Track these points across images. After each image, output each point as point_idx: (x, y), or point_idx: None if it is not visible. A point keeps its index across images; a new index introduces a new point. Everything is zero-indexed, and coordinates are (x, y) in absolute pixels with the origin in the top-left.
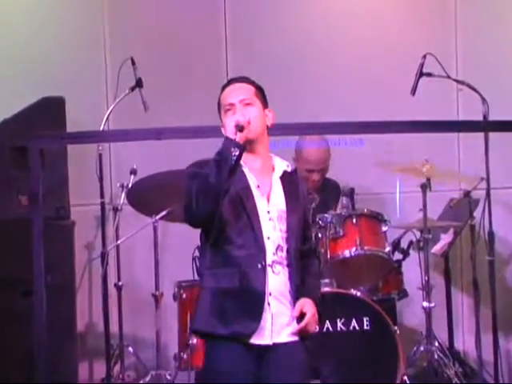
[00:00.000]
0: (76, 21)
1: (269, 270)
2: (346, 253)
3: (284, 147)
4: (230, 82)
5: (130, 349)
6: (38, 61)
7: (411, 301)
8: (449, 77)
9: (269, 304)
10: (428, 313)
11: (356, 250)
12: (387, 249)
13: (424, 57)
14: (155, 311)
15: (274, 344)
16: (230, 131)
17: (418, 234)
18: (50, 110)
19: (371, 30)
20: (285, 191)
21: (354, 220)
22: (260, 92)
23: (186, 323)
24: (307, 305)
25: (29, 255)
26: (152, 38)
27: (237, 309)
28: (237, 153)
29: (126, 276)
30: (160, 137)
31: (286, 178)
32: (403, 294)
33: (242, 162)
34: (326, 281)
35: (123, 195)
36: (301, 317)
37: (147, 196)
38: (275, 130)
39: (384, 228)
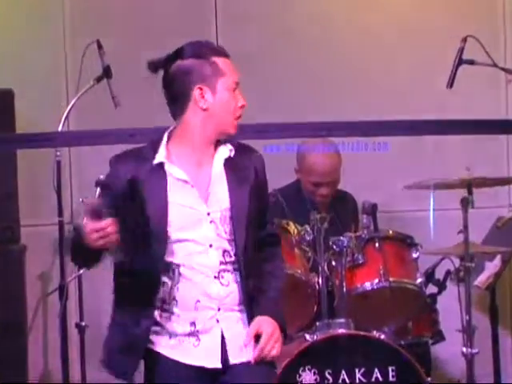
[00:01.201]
0: None
1: (216, 282)
2: (367, 285)
3: (287, 152)
4: (221, 49)
5: None
6: None
7: (449, 346)
8: (495, 65)
9: (218, 321)
10: (469, 360)
11: (379, 281)
12: (418, 280)
13: (464, 40)
14: None
15: (229, 366)
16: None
17: (458, 261)
18: None
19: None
20: (228, 182)
21: (377, 244)
22: None
23: None
24: (264, 324)
25: None
26: (124, 17)
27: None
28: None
29: (90, 314)
30: (133, 139)
31: (229, 165)
32: (438, 337)
33: (167, 158)
34: (342, 321)
35: None
36: (257, 339)
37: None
38: (273, 131)
39: (414, 254)
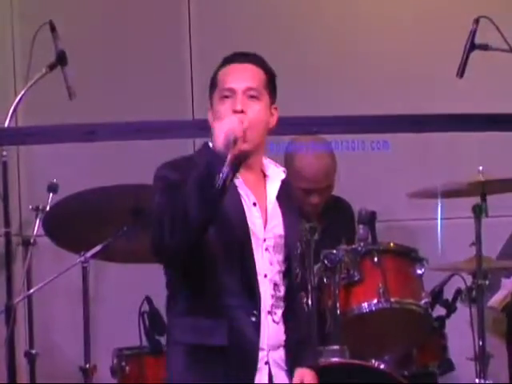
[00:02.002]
0: None
1: (269, 319)
2: (364, 306)
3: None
4: (236, 57)
5: None
6: None
7: (459, 376)
8: None
9: (267, 363)
10: None
11: (378, 302)
12: (424, 300)
13: (476, 21)
14: None
15: None
16: (219, 142)
17: (469, 278)
18: None
19: None
20: (281, 208)
21: (376, 258)
22: (271, 82)
23: None
24: (307, 377)
25: None
26: None
27: (224, 374)
28: (228, 174)
29: (41, 340)
30: (92, 137)
31: (281, 188)
32: (447, 366)
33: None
34: (335, 348)
35: (38, 222)
36: None
37: (73, 224)
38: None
39: (419, 270)
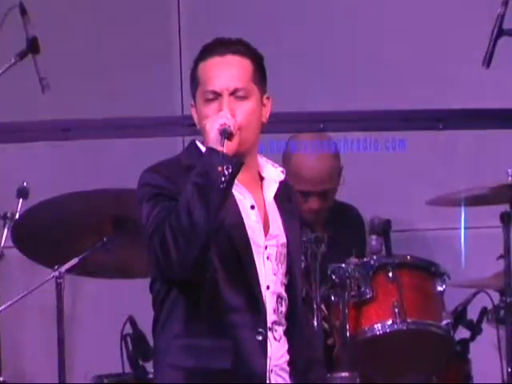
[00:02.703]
0: None
1: (269, 336)
2: (377, 327)
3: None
4: (217, 47)
5: None
6: None
7: None
8: None
9: None
10: None
11: (393, 322)
12: (445, 321)
13: (505, 3)
14: None
15: None
16: (213, 138)
17: (497, 296)
18: None
19: None
20: (281, 212)
21: (390, 273)
22: (260, 70)
23: None
24: None
25: None
26: None
27: None
28: (229, 170)
29: (10, 367)
30: (68, 135)
31: (279, 190)
32: None
33: None
34: (344, 375)
35: (6, 232)
36: None
37: (46, 234)
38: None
39: (440, 287)
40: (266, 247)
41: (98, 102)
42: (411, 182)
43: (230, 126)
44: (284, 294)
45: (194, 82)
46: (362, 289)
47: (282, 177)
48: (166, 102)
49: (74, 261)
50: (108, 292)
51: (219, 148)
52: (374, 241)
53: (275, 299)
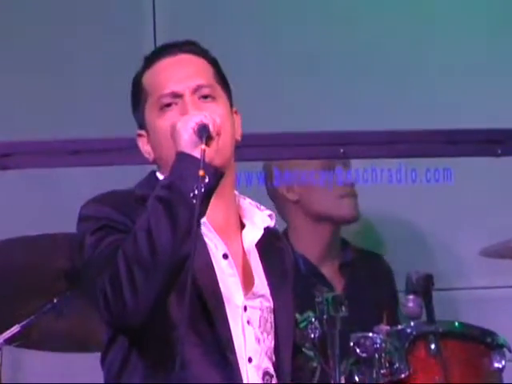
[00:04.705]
0: None
1: None
2: None
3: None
4: (165, 49)
5: None
6: None
7: None
8: None
9: None
10: None
11: None
12: None
13: None
14: None
15: None
16: (186, 140)
17: None
18: None
19: None
20: (266, 268)
21: (433, 345)
22: (221, 75)
23: None
24: None
25: None
26: None
27: None
28: (206, 180)
29: None
30: (7, 162)
31: (264, 239)
32: None
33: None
34: None
35: None
36: None
37: None
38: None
39: (497, 363)
40: (245, 308)
41: (47, 121)
42: (459, 226)
43: (208, 125)
44: (270, 368)
45: (140, 97)
46: (396, 365)
47: (269, 222)
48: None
49: (16, 328)
50: (58, 367)
51: (195, 151)
52: (411, 302)
53: (261, 376)
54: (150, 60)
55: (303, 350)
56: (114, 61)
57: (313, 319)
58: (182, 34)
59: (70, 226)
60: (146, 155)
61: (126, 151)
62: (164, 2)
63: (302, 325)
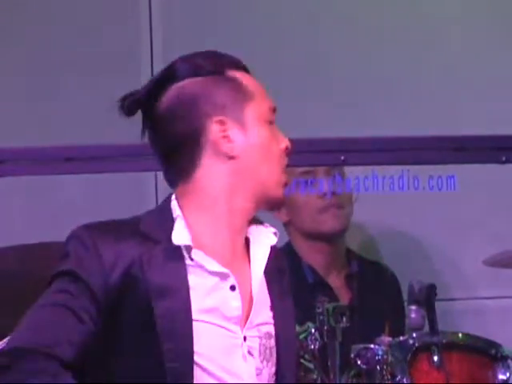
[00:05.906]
0: None
1: None
2: None
3: None
4: (238, 61)
5: None
6: None
7: None
8: None
9: None
10: None
11: None
12: None
13: None
14: None
15: None
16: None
17: None
18: None
19: None
20: (271, 291)
21: (436, 357)
22: None
23: None
24: None
25: None
26: None
27: None
28: None
29: None
30: None
31: (270, 260)
32: None
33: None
34: None
35: None
36: None
37: None
38: None
39: (502, 375)
40: (245, 338)
41: (39, 128)
42: (463, 234)
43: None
44: None
45: (239, 94)
46: (398, 377)
47: (274, 241)
48: (134, 125)
49: (2, 344)
50: None
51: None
52: (413, 313)
53: None
54: (236, 64)
55: (302, 361)
56: (108, 67)
57: (313, 330)
58: (178, 38)
59: (62, 235)
60: (223, 148)
61: (120, 158)
62: (161, 11)
63: (301, 336)
